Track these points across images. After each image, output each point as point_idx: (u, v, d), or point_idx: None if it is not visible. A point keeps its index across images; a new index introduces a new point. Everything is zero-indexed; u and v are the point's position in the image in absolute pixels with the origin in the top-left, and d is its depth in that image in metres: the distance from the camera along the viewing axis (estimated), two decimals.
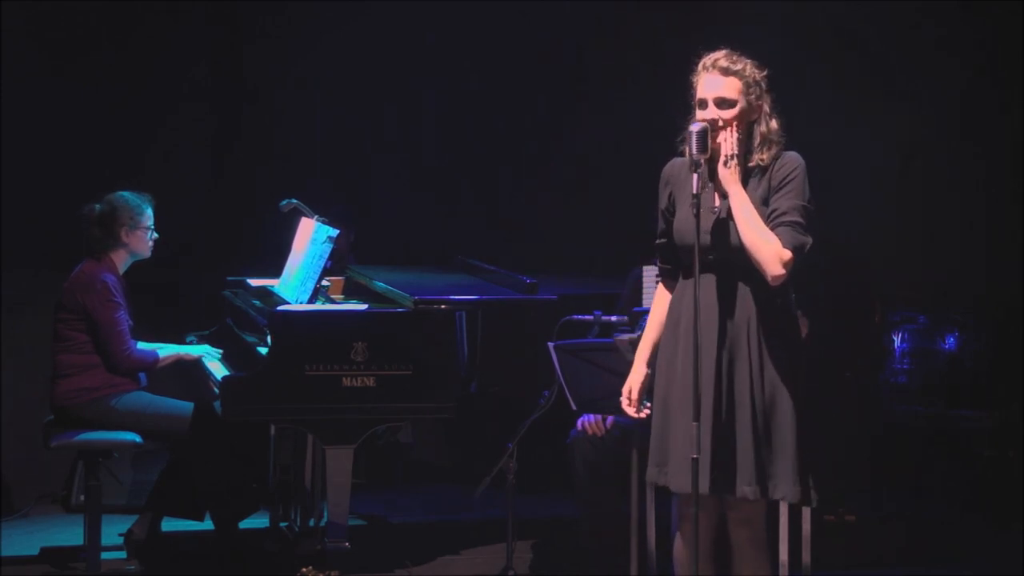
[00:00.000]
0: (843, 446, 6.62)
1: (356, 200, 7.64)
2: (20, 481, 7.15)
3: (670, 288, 4.40)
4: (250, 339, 5.91)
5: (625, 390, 4.41)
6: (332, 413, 5.30)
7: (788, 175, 4.22)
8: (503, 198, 8.04)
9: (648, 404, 4.39)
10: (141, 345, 6.01)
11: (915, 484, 7.32)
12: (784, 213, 4.18)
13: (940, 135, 7.79)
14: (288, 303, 5.71)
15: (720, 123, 4.19)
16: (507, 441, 5.39)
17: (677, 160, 4.36)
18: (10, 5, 7.14)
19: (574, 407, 4.97)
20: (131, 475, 6.74)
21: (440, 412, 5.38)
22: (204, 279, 7.31)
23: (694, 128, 4.14)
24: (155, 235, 6.05)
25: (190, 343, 6.33)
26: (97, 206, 5.97)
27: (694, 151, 4.13)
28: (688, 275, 4.28)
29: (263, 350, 5.56)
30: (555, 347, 4.83)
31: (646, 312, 4.96)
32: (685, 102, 4.31)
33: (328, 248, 5.68)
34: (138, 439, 5.80)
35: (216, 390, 5.55)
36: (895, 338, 7.78)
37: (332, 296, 6.16)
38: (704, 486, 4.17)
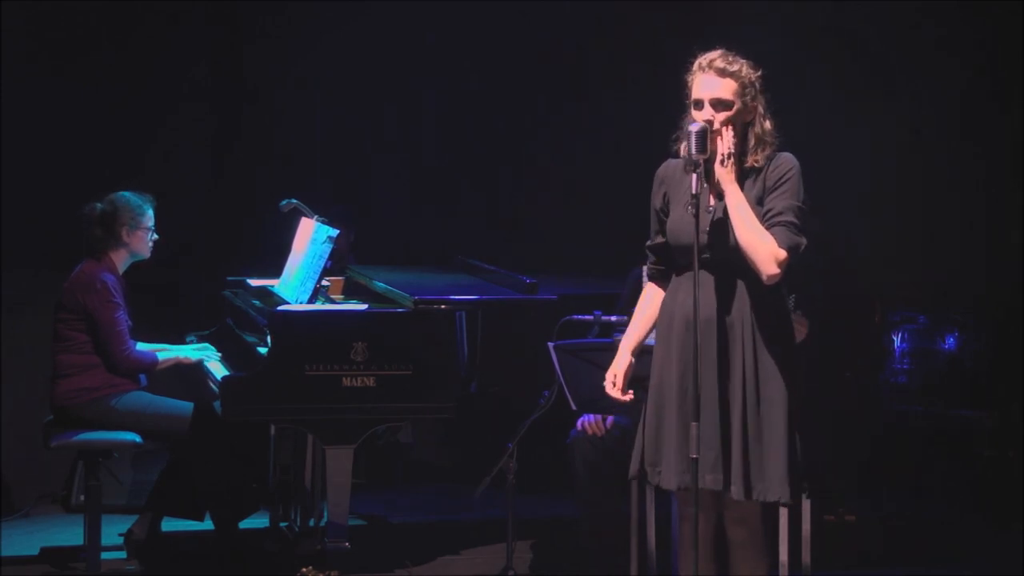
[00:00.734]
0: (843, 446, 6.61)
1: (356, 200, 7.64)
2: (20, 481, 7.15)
3: (662, 288, 4.41)
4: (250, 339, 5.91)
5: (609, 375, 4.43)
6: (332, 413, 5.30)
7: (783, 176, 4.23)
8: (503, 198, 8.04)
9: (631, 390, 4.40)
10: (141, 346, 6.01)
11: (915, 484, 7.31)
12: (779, 213, 4.19)
13: (940, 135, 7.79)
14: (288, 303, 5.71)
15: (716, 124, 4.19)
16: (507, 441, 5.38)
17: (671, 161, 4.37)
18: (10, 5, 7.14)
19: (574, 407, 4.97)
20: (131, 475, 6.74)
21: (440, 412, 5.38)
22: (204, 279, 7.32)
23: (693, 128, 4.15)
24: (155, 236, 6.05)
25: (190, 343, 6.34)
26: (98, 205, 5.97)
27: (693, 152, 4.13)
28: (681, 274, 4.29)
29: (263, 350, 5.56)
30: (555, 347, 4.83)
31: None
32: (683, 102, 4.31)
33: (328, 248, 5.68)
34: (138, 439, 5.80)
35: (216, 390, 5.55)
36: (895, 338, 7.78)
37: (332, 296, 6.16)
38: (706, 483, 4.17)
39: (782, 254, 4.15)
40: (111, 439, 5.79)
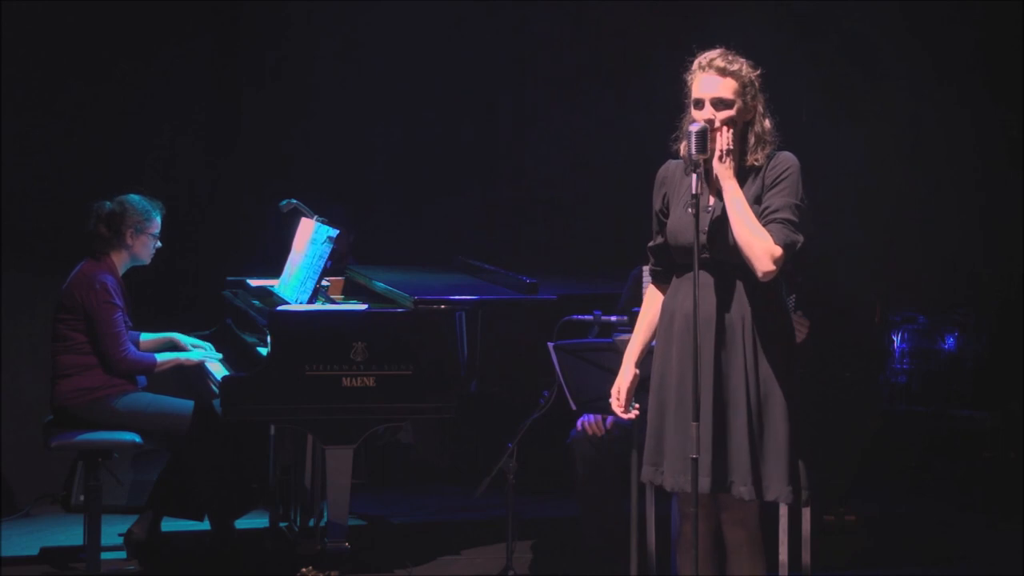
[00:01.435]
0: (843, 446, 6.62)
1: (356, 200, 7.64)
2: (20, 481, 7.15)
3: (663, 290, 4.41)
4: (250, 339, 5.91)
5: (614, 391, 4.42)
6: (332, 413, 5.30)
7: (782, 173, 4.23)
8: (503, 198, 8.04)
9: (636, 405, 4.40)
10: (145, 336, 6.01)
11: (915, 484, 7.32)
12: (776, 211, 4.19)
13: (940, 135, 7.80)
14: (288, 303, 5.71)
15: (716, 123, 4.20)
16: (507, 441, 5.38)
17: (671, 162, 4.37)
18: (10, 5, 7.14)
19: (574, 407, 4.97)
20: (131, 475, 6.74)
21: (440, 412, 5.37)
22: (204, 279, 7.32)
23: (693, 128, 4.15)
24: (159, 244, 6.05)
25: (193, 338, 6.33)
26: (107, 204, 5.97)
27: (693, 152, 4.14)
28: (681, 274, 4.29)
29: (263, 350, 5.56)
30: (555, 347, 4.83)
31: None
32: (681, 103, 4.31)
33: (328, 248, 5.68)
34: (138, 439, 5.80)
35: (216, 390, 5.55)
36: (895, 338, 7.79)
37: (332, 296, 6.16)
38: (704, 485, 4.18)
39: (777, 251, 4.15)
40: (111, 439, 5.79)
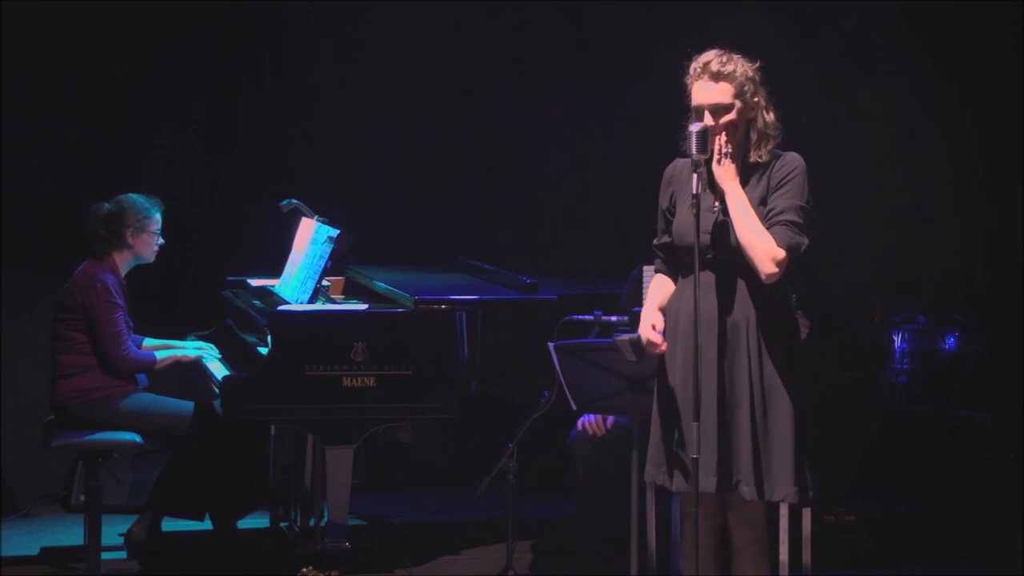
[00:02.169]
0: (843, 446, 6.62)
1: (356, 200, 7.64)
2: (20, 481, 7.15)
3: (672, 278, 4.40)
4: (250, 339, 5.91)
5: (646, 321, 4.27)
6: (332, 413, 5.30)
7: (788, 175, 4.22)
8: (503, 198, 8.04)
9: (663, 342, 4.28)
10: (147, 342, 6.02)
11: (915, 484, 7.32)
12: (781, 212, 4.18)
13: (940, 135, 7.80)
14: (288, 303, 5.71)
15: (718, 129, 4.19)
16: (507, 441, 5.38)
17: (679, 160, 4.36)
18: (10, 5, 7.14)
19: (574, 407, 4.97)
20: (131, 475, 6.73)
21: (440, 412, 5.37)
22: (204, 279, 7.32)
23: (694, 128, 4.15)
24: (161, 241, 6.05)
25: (193, 342, 6.33)
26: (105, 205, 5.96)
27: (694, 152, 4.14)
28: (687, 275, 4.28)
29: (263, 350, 5.56)
30: (555, 347, 4.83)
31: None
32: (683, 101, 4.31)
33: (328, 248, 5.68)
34: (138, 439, 5.80)
35: (216, 390, 5.55)
36: (895, 338, 7.79)
37: (332, 296, 6.16)
38: (710, 485, 4.17)
39: (780, 254, 4.14)
40: (111, 439, 5.79)
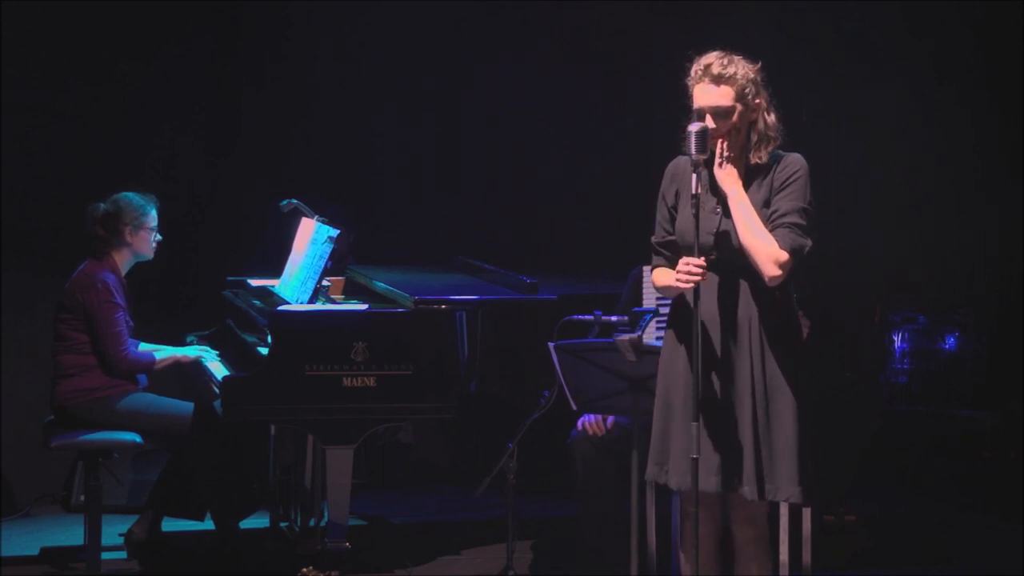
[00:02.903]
0: (843, 446, 6.62)
1: (356, 200, 7.64)
2: (20, 481, 7.15)
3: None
4: (250, 339, 5.91)
5: (687, 261, 4.16)
6: (332, 413, 5.30)
7: (790, 177, 4.21)
8: (503, 198, 8.03)
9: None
10: (143, 346, 6.01)
11: (915, 484, 7.32)
12: (784, 215, 4.18)
13: (940, 135, 7.80)
14: (288, 303, 5.71)
15: (719, 132, 4.18)
16: (507, 441, 5.38)
17: (682, 157, 4.34)
18: (10, 5, 7.14)
19: (574, 407, 4.97)
20: (131, 475, 6.74)
21: (440, 412, 5.37)
22: (204, 279, 7.32)
23: (693, 128, 4.15)
24: (159, 237, 6.05)
25: (190, 343, 6.33)
26: (101, 205, 5.97)
27: (693, 152, 4.13)
28: None
29: (263, 350, 5.56)
30: (555, 347, 4.83)
31: (646, 312, 4.96)
32: (683, 100, 4.31)
33: (328, 248, 5.68)
34: (138, 439, 5.80)
35: (216, 390, 5.55)
36: (895, 338, 7.79)
37: (332, 296, 6.16)
38: (712, 485, 4.17)
39: (783, 256, 4.14)
40: (111, 439, 5.79)
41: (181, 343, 6.32)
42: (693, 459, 4.14)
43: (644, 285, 5.33)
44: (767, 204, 4.21)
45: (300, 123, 7.83)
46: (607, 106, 7.94)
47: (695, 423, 4.13)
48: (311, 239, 5.92)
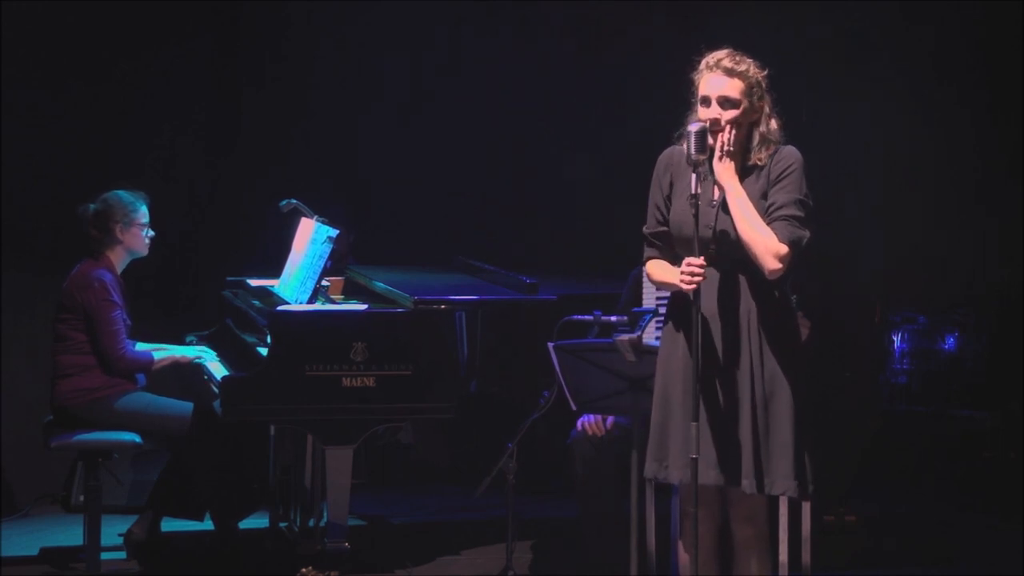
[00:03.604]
0: (843, 446, 6.62)
1: (356, 200, 7.64)
2: (20, 481, 7.15)
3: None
4: (250, 339, 5.91)
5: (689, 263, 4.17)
6: (332, 413, 5.30)
7: (786, 169, 4.24)
8: (503, 198, 8.03)
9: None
10: (140, 346, 6.01)
11: (915, 484, 7.32)
12: (781, 207, 4.20)
13: (940, 135, 7.80)
14: (288, 303, 5.71)
15: (722, 122, 4.20)
16: (507, 441, 5.38)
17: (676, 148, 4.35)
18: (10, 5, 7.14)
19: (574, 407, 4.97)
20: (131, 475, 6.73)
21: (440, 412, 5.37)
22: (204, 279, 7.31)
23: (692, 128, 4.16)
24: (151, 232, 6.04)
25: (190, 343, 6.33)
26: (91, 206, 5.97)
27: (693, 151, 4.14)
28: None
29: (263, 350, 5.56)
30: (555, 347, 4.83)
31: (646, 312, 4.96)
32: (683, 100, 4.32)
33: (328, 248, 5.67)
34: (138, 439, 5.80)
35: (216, 390, 5.55)
36: (895, 338, 7.78)
37: (332, 296, 6.16)
38: (711, 478, 4.18)
39: (783, 249, 4.16)
40: (111, 439, 5.79)
41: (181, 343, 6.32)
42: (693, 459, 4.14)
43: (644, 285, 5.33)
44: (764, 196, 4.23)
45: (300, 123, 7.82)
46: (607, 106, 7.94)
47: (694, 423, 4.13)
48: (310, 239, 5.92)
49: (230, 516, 6.12)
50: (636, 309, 5.12)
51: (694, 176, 4.14)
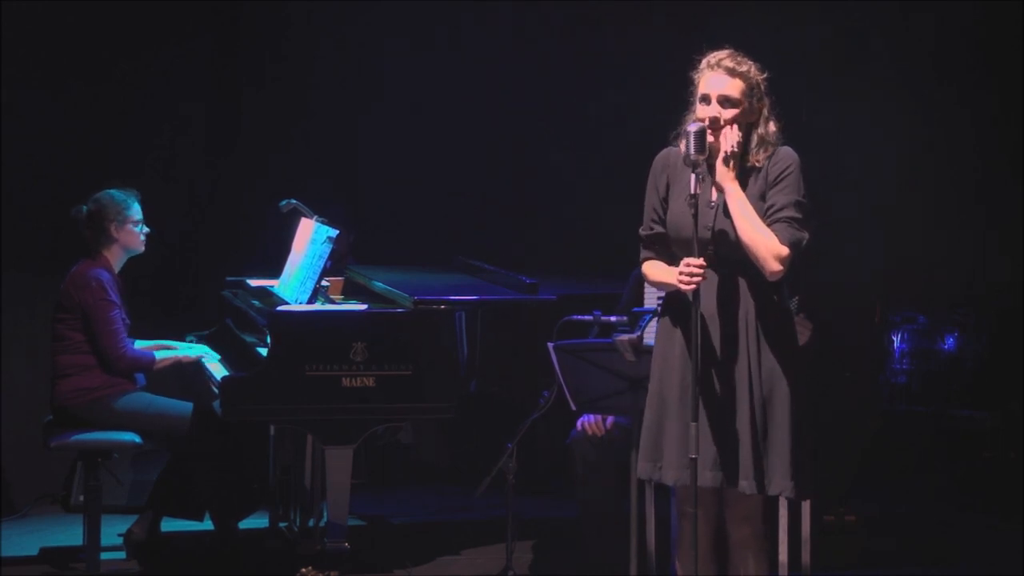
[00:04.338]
0: (843, 446, 6.61)
1: (356, 200, 7.63)
2: (20, 481, 7.15)
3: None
4: (250, 339, 5.91)
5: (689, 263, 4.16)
6: (332, 413, 5.30)
7: (784, 171, 4.24)
8: (503, 198, 8.03)
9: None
10: (139, 343, 6.01)
11: (915, 484, 7.32)
12: (781, 209, 4.21)
13: (940, 135, 7.80)
14: (288, 303, 5.71)
15: (721, 121, 4.20)
16: (507, 441, 5.39)
17: (672, 149, 4.36)
18: (10, 5, 7.14)
19: (574, 407, 4.97)
20: (131, 475, 6.74)
21: (440, 412, 5.38)
22: (204, 279, 7.31)
23: (692, 128, 4.16)
24: (146, 229, 6.04)
25: (189, 343, 6.33)
26: (84, 207, 5.98)
27: (692, 152, 4.14)
28: None
29: (263, 350, 5.56)
30: (555, 347, 4.83)
31: (646, 312, 4.96)
32: (683, 100, 4.32)
33: (328, 248, 5.68)
34: (138, 439, 5.80)
35: (216, 390, 5.55)
36: (895, 338, 7.79)
37: (332, 296, 6.16)
38: (709, 480, 4.18)
39: (784, 251, 4.16)
40: (111, 439, 5.79)
41: (180, 342, 6.31)
42: (692, 459, 4.14)
43: (646, 285, 5.33)
44: (762, 198, 4.23)
45: (300, 123, 7.83)
46: (607, 106, 7.94)
47: (694, 423, 4.13)
48: (310, 239, 5.92)
49: (230, 516, 6.12)
50: (636, 309, 5.12)
51: (693, 176, 4.15)
